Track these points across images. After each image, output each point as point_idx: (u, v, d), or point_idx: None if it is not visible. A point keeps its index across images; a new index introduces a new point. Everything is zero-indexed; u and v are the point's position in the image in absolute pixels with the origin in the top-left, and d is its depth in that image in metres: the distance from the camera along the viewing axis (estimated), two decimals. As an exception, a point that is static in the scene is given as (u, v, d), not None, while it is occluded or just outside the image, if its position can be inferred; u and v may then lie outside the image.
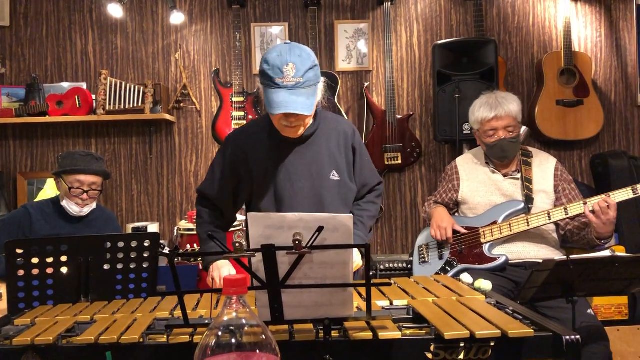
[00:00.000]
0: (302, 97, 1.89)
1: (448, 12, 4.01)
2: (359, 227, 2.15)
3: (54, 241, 1.98)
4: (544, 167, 2.78)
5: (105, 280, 1.99)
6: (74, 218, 2.76)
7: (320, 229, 1.30)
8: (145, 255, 2.02)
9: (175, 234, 3.62)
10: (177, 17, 3.83)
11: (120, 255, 2.00)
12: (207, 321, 1.49)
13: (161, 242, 3.66)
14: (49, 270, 1.94)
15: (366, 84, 3.92)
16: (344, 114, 3.86)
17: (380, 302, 1.70)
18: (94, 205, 2.79)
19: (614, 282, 2.11)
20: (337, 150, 2.15)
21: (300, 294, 1.38)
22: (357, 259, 2.06)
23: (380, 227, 4.00)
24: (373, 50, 3.97)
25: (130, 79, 3.95)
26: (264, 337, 0.96)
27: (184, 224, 3.53)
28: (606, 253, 2.03)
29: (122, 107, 3.72)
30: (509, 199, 2.72)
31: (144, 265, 2.02)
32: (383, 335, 1.39)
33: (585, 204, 2.52)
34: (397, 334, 1.40)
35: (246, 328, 0.95)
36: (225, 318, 0.96)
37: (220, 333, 0.94)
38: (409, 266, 3.41)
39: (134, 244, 2.00)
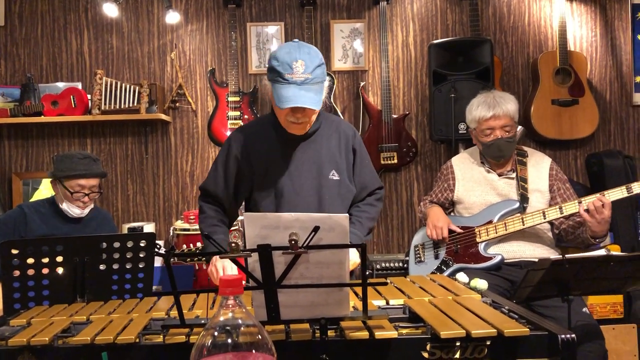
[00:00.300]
0: (310, 93, 1.94)
1: (444, 11, 4.02)
2: (357, 227, 2.16)
3: (49, 241, 1.97)
4: (539, 166, 2.78)
5: (101, 280, 1.98)
6: (70, 218, 2.75)
7: (316, 229, 1.30)
8: (141, 255, 2.01)
9: (171, 234, 3.61)
10: (172, 17, 3.83)
11: (116, 256, 1.99)
12: (203, 321, 1.49)
13: (157, 242, 3.65)
14: (45, 271, 1.94)
15: (362, 84, 3.93)
16: (339, 113, 3.86)
17: (376, 302, 1.70)
18: (92, 206, 2.80)
19: (609, 280, 2.12)
20: (337, 151, 2.18)
21: (296, 294, 1.38)
22: (354, 257, 2.06)
23: (377, 226, 4.00)
24: (369, 49, 3.98)
25: (125, 78, 3.94)
26: (260, 337, 0.96)
27: (179, 224, 3.53)
28: (601, 252, 2.04)
29: (118, 107, 3.71)
30: (504, 199, 2.73)
31: (140, 266, 2.02)
32: (379, 334, 1.39)
33: (580, 203, 2.53)
34: (393, 334, 1.40)
35: (242, 328, 0.95)
36: (222, 318, 0.96)
37: (216, 333, 0.94)
38: (405, 266, 3.41)
39: (129, 244, 2.00)
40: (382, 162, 3.80)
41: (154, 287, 2.15)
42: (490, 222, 2.70)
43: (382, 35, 3.83)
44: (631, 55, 4.00)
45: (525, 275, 2.12)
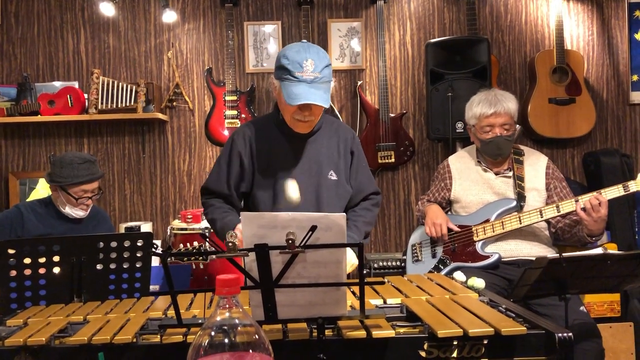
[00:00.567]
0: (320, 91, 1.99)
1: (441, 10, 4.02)
2: (353, 231, 2.17)
3: (46, 241, 1.97)
4: (536, 165, 2.79)
5: (98, 280, 1.98)
6: (67, 218, 2.75)
7: (313, 228, 1.30)
8: (138, 255, 2.01)
9: (169, 233, 3.61)
10: (169, 16, 3.82)
11: (113, 255, 1.99)
12: (200, 321, 1.49)
13: (154, 241, 3.64)
14: (42, 271, 1.93)
15: (359, 83, 3.92)
16: (337, 112, 3.86)
17: (373, 301, 1.70)
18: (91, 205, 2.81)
19: (606, 279, 2.12)
20: (337, 152, 2.22)
21: (293, 293, 1.38)
22: (353, 259, 2.06)
23: (374, 225, 4.00)
24: (366, 48, 3.98)
25: (122, 77, 3.93)
26: (257, 336, 0.95)
27: (177, 224, 3.52)
28: (598, 250, 2.04)
29: (115, 106, 3.70)
30: (501, 197, 2.73)
31: (137, 265, 2.01)
32: (376, 333, 1.40)
33: (576, 201, 2.53)
34: (390, 333, 1.40)
35: (239, 328, 0.95)
36: (219, 318, 0.95)
37: (213, 333, 0.94)
38: (403, 264, 3.42)
39: (126, 243, 2.00)
40: (380, 161, 3.80)
41: (152, 287, 2.14)
42: (487, 220, 2.70)
43: (379, 34, 3.83)
44: (628, 53, 4.01)
45: (522, 274, 2.13)
